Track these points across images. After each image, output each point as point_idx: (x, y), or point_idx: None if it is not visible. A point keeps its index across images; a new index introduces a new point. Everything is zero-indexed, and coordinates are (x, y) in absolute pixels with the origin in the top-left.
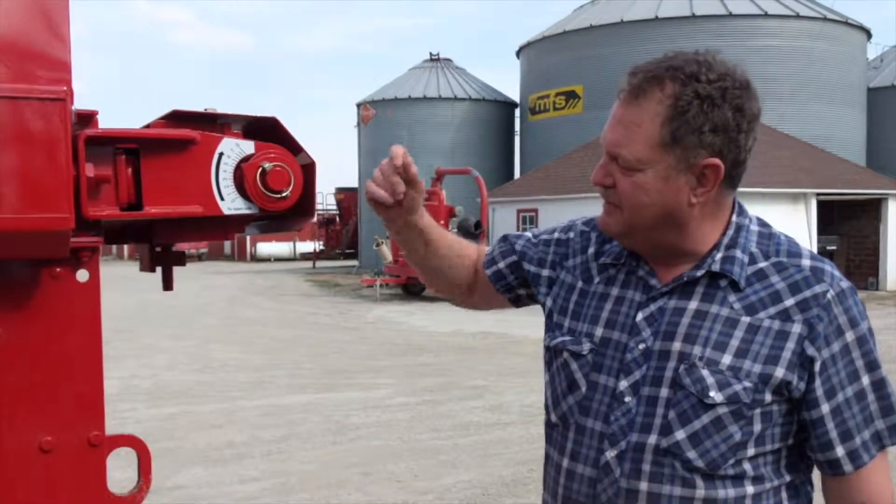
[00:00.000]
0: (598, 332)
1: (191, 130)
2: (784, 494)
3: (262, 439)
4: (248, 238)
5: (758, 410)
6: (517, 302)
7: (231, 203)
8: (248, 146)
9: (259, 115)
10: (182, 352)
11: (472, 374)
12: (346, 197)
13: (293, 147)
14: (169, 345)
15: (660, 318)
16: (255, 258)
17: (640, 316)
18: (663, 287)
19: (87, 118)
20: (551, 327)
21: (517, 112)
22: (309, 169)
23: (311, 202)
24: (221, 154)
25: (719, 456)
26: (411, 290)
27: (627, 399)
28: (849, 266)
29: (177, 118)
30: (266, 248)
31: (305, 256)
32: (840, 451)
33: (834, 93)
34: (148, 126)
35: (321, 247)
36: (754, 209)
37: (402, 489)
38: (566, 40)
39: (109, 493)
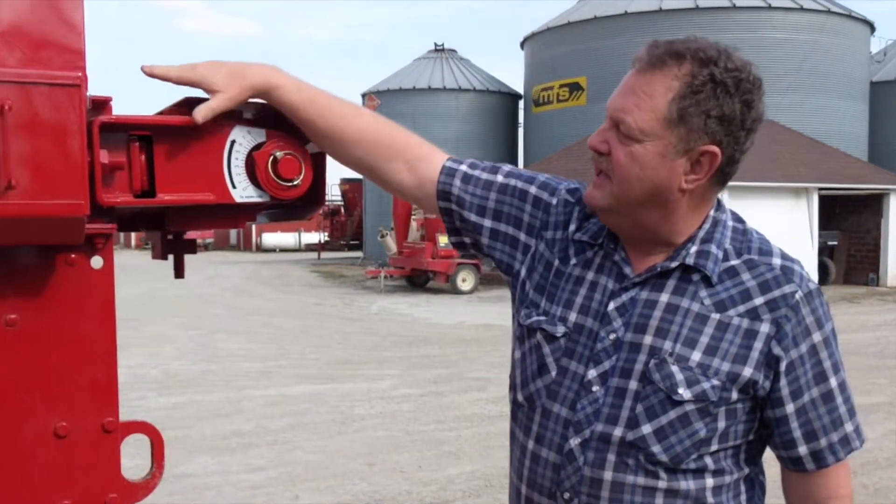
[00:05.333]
0: (572, 317)
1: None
2: (742, 487)
3: (268, 429)
4: (253, 228)
5: (723, 408)
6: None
7: (243, 191)
8: (259, 134)
9: (267, 102)
10: (189, 341)
11: (475, 366)
12: (351, 188)
13: (303, 136)
14: (176, 334)
15: (631, 308)
16: (261, 248)
17: (611, 305)
18: (636, 277)
19: (102, 104)
20: (525, 302)
21: (521, 103)
22: (319, 158)
23: (321, 191)
24: (233, 142)
25: (683, 451)
26: (415, 282)
27: (595, 388)
28: (849, 262)
29: (189, 105)
30: (272, 238)
31: (310, 247)
32: (803, 450)
33: (837, 87)
34: (161, 113)
35: (326, 237)
36: (755, 203)
37: (407, 479)
38: (570, 32)
39: (123, 478)
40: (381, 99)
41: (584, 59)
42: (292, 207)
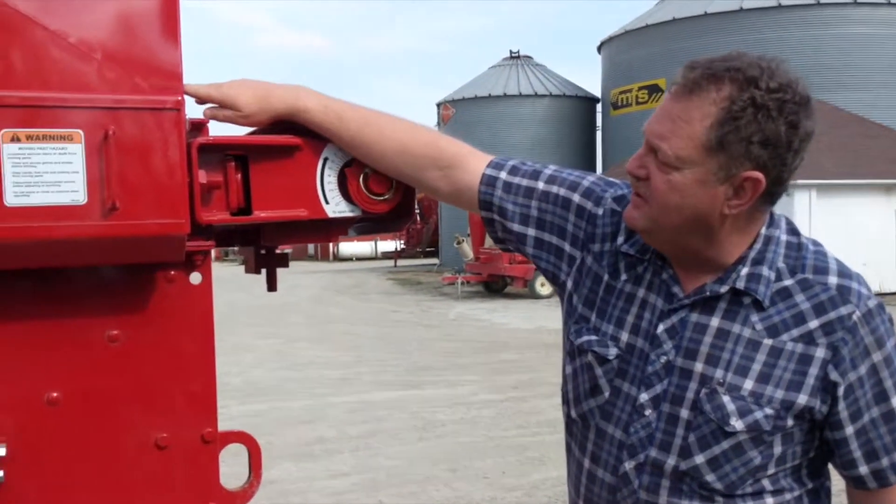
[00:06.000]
0: (624, 337)
1: (296, 137)
2: (806, 500)
3: (350, 435)
4: None
5: (778, 435)
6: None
7: (335, 206)
8: None
9: None
10: (270, 350)
11: (556, 371)
12: (426, 196)
13: None
14: (257, 343)
15: (681, 331)
16: (338, 257)
17: (661, 328)
18: (685, 299)
19: (199, 126)
20: (574, 316)
21: (599, 107)
22: None
23: (410, 204)
24: (326, 159)
25: (738, 479)
26: (492, 288)
27: (647, 412)
28: None
29: (282, 125)
30: (348, 247)
31: (387, 255)
32: (864, 469)
33: None
34: (255, 133)
35: (402, 245)
36: (844, 202)
37: (490, 486)
38: (649, 34)
39: (222, 487)
40: (456, 108)
41: (663, 61)
42: (383, 220)
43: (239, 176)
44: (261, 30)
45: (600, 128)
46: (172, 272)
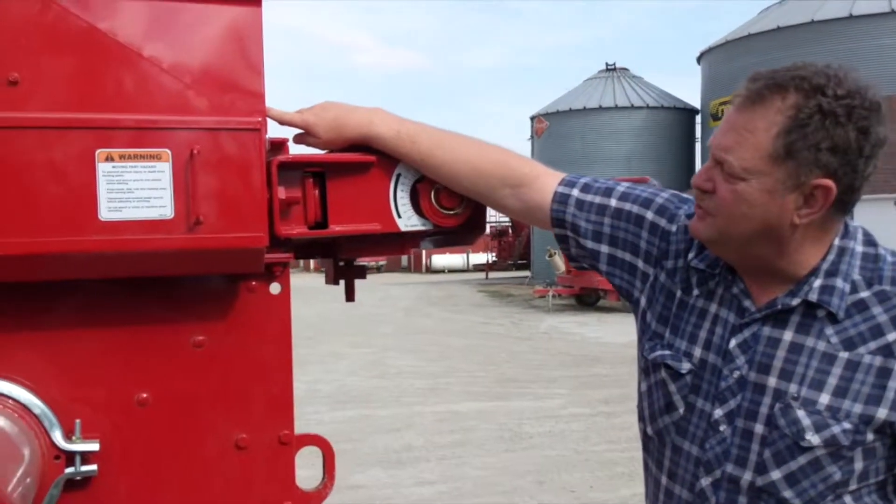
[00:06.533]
0: (697, 352)
1: (370, 154)
2: None
3: (437, 444)
4: (423, 251)
5: (859, 450)
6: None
7: (407, 220)
8: None
9: None
10: (362, 358)
11: None
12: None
13: None
14: (350, 352)
15: (753, 345)
16: (430, 270)
17: (733, 342)
18: (756, 312)
19: (279, 145)
20: (648, 333)
21: (698, 119)
22: None
23: (482, 217)
24: (399, 175)
25: (817, 494)
26: (585, 301)
27: (722, 428)
28: None
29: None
30: (441, 259)
31: (478, 267)
32: None
33: None
34: (332, 151)
35: (494, 258)
36: None
37: (577, 499)
38: (751, 43)
39: (297, 488)
40: (550, 121)
41: None
42: (454, 234)
43: (316, 192)
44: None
45: (699, 140)
46: (254, 282)
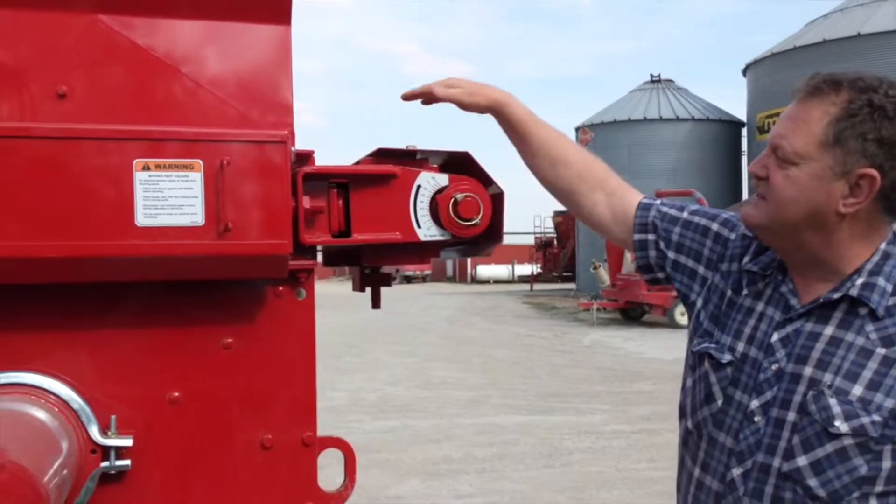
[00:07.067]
0: (740, 346)
1: (393, 166)
2: None
3: (476, 457)
4: (468, 261)
5: (889, 446)
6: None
7: (427, 230)
8: (442, 179)
9: (454, 150)
10: (405, 368)
11: None
12: (563, 220)
13: (484, 179)
14: (393, 361)
15: (795, 339)
16: (475, 280)
17: (775, 336)
18: (801, 308)
19: (305, 157)
20: (699, 332)
21: (744, 131)
22: (498, 198)
23: (499, 228)
24: (419, 186)
25: (842, 487)
26: (630, 315)
27: (757, 419)
28: None
29: (382, 154)
30: (486, 270)
31: (523, 279)
32: None
33: None
34: (357, 162)
35: (539, 269)
36: None
37: None
38: (797, 56)
39: (319, 489)
40: (595, 132)
41: None
42: (473, 244)
43: (340, 202)
44: (409, 57)
45: (746, 152)
46: (280, 288)
